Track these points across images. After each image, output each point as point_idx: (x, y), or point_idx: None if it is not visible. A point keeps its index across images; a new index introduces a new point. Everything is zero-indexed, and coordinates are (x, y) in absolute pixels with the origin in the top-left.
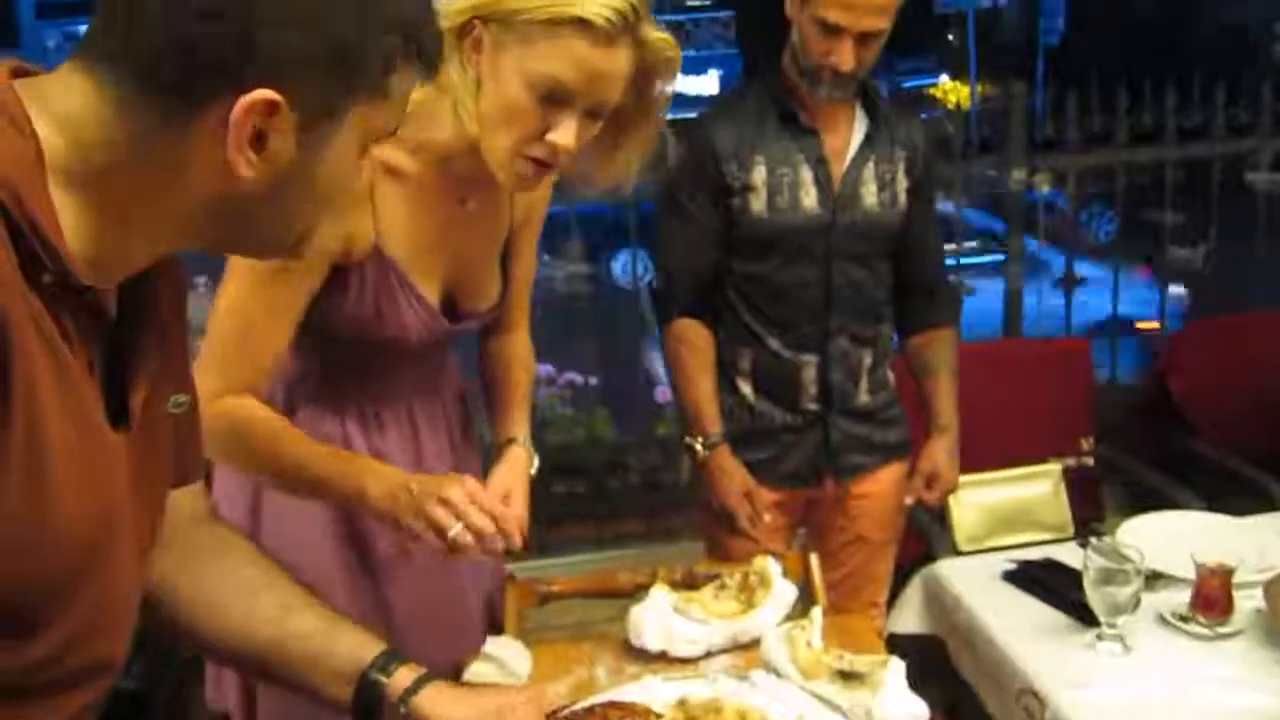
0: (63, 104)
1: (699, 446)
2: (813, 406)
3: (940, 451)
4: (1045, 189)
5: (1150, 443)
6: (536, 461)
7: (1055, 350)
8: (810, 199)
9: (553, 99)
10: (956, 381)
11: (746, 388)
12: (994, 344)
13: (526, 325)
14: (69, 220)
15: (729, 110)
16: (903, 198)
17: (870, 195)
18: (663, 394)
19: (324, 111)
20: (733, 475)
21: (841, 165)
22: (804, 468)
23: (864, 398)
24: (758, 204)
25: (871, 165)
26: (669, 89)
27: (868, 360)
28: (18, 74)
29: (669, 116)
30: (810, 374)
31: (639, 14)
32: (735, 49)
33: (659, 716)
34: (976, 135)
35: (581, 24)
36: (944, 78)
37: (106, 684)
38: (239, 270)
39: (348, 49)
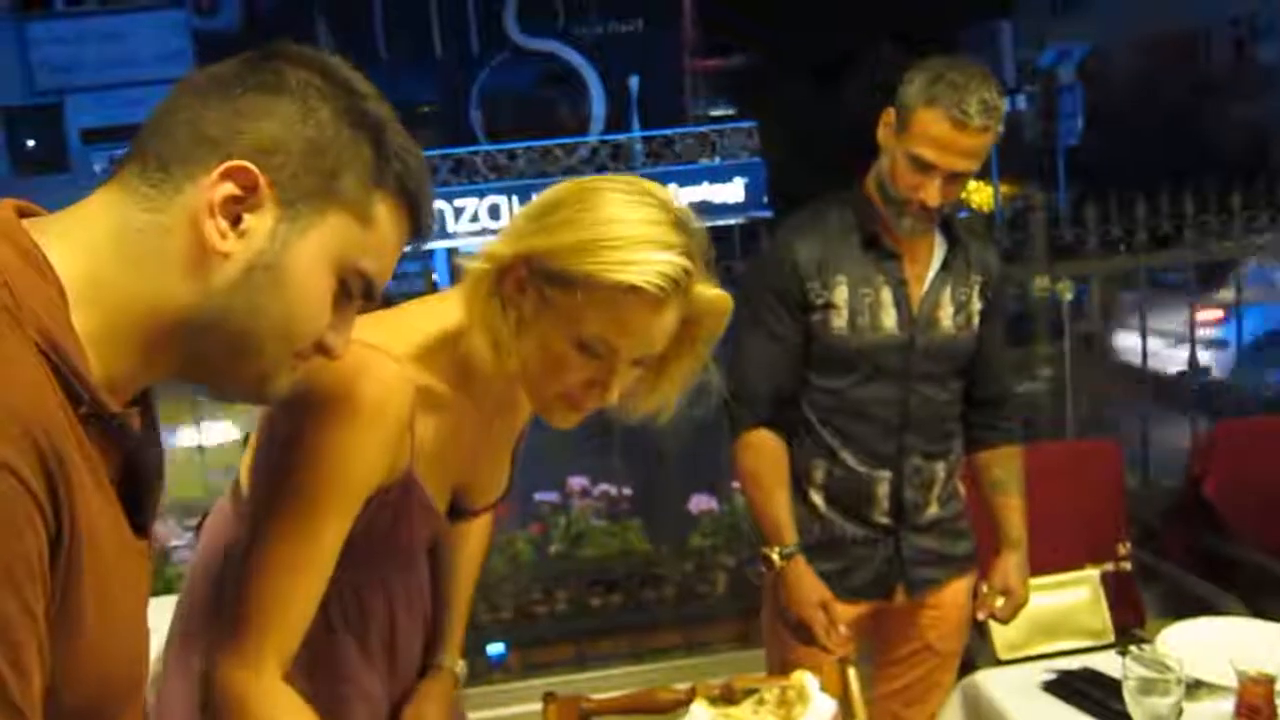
0: (83, 228)
1: (775, 556)
2: (884, 520)
3: (1012, 567)
4: (1068, 296)
5: (1187, 545)
6: (462, 669)
7: (1085, 453)
8: (890, 320)
9: (596, 353)
10: (1024, 496)
11: (819, 499)
12: (1025, 450)
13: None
14: (89, 350)
15: (812, 226)
16: (976, 319)
17: (947, 318)
18: (696, 504)
19: (300, 203)
20: (809, 586)
21: (920, 288)
22: (875, 580)
23: (935, 510)
24: (839, 321)
25: (949, 289)
26: (718, 331)
27: (941, 475)
28: (23, 214)
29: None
30: (884, 489)
31: (692, 275)
32: (760, 157)
33: None
34: (1002, 242)
35: (633, 289)
36: None
37: None
38: (284, 517)
39: (319, 144)
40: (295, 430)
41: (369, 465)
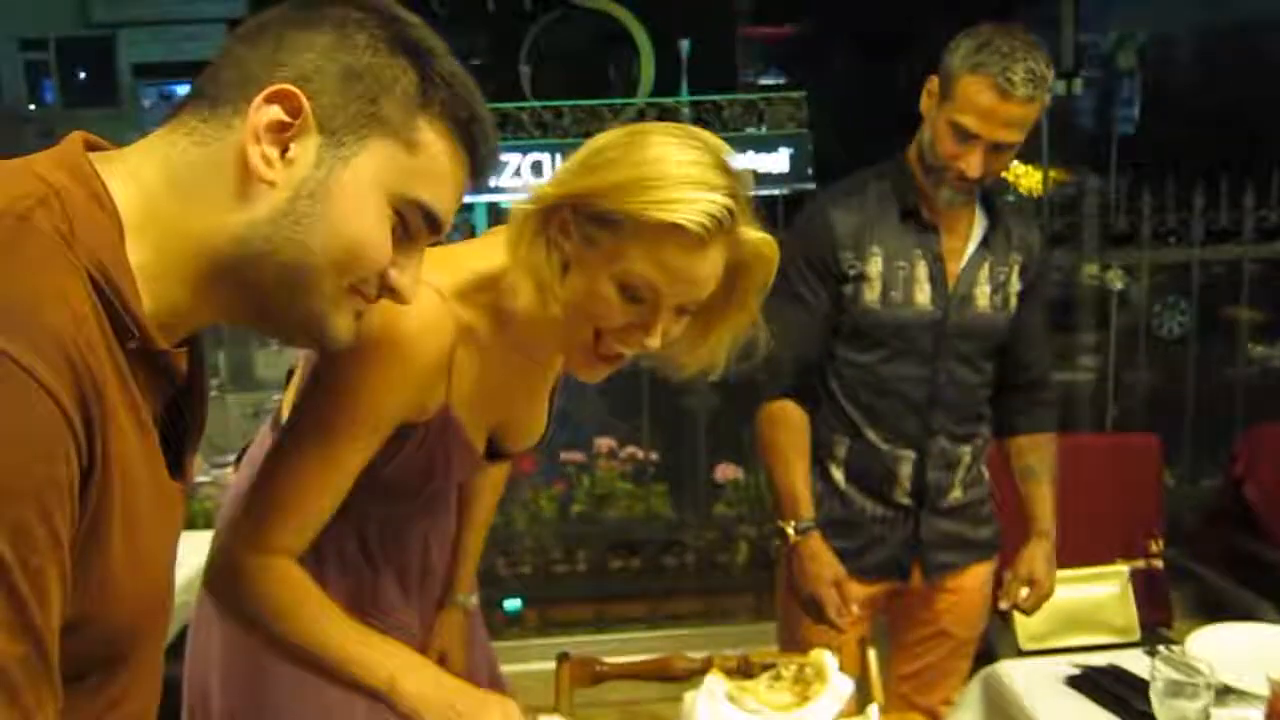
0: (142, 162)
1: (791, 530)
2: (905, 501)
3: (1039, 557)
4: (1119, 285)
5: (1222, 547)
6: (474, 602)
7: (1124, 447)
8: (924, 295)
9: (638, 297)
10: (1056, 486)
11: (839, 475)
12: (1062, 439)
13: None
14: (141, 284)
15: (850, 196)
16: (1014, 301)
17: (983, 296)
18: (722, 473)
19: (343, 130)
20: (824, 563)
21: (958, 264)
22: (892, 561)
23: (958, 493)
24: (871, 294)
25: (987, 267)
26: (766, 280)
27: (966, 458)
28: (90, 147)
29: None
30: (906, 469)
31: (735, 217)
32: (807, 128)
33: None
34: (1049, 226)
35: (675, 228)
36: (1015, 161)
37: None
38: (307, 434)
39: (356, 69)
40: (332, 356)
41: (397, 398)
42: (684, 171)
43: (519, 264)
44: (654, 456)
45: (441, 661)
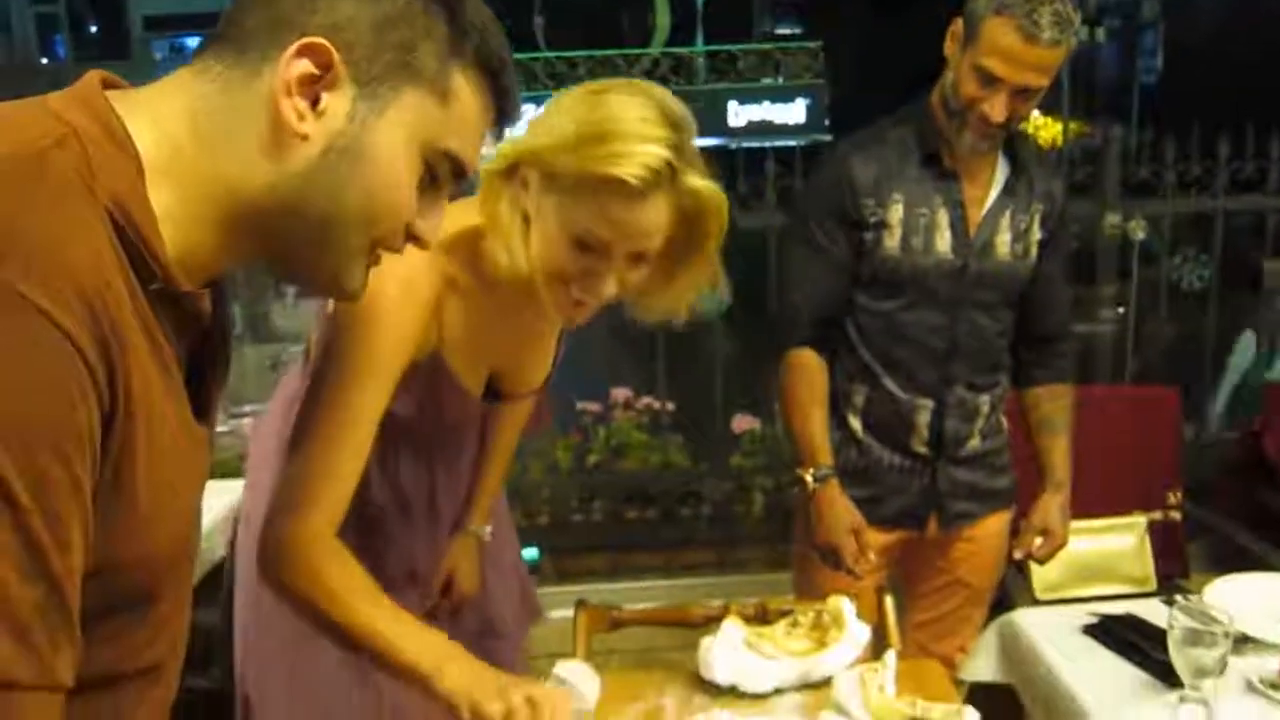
0: (163, 104)
1: (809, 478)
2: (923, 450)
3: (1054, 507)
4: (1140, 235)
5: (1240, 500)
6: (487, 532)
7: (1143, 398)
8: (944, 243)
9: (589, 247)
10: (1072, 437)
11: (857, 424)
12: (1080, 390)
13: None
14: (164, 226)
15: (870, 144)
16: (1034, 250)
17: (1004, 245)
18: (739, 424)
19: (377, 81)
20: (842, 511)
21: (979, 212)
22: (908, 510)
23: (976, 443)
24: (891, 242)
25: (1008, 215)
26: (721, 228)
27: (984, 407)
28: (107, 85)
29: (765, 145)
30: (924, 418)
31: (676, 168)
32: (823, 79)
33: None
34: (1069, 175)
35: (615, 180)
36: (1036, 112)
37: (175, 679)
38: (324, 397)
39: (391, 18)
40: (335, 317)
41: (401, 338)
42: (624, 126)
43: (488, 221)
44: (670, 407)
45: (448, 583)
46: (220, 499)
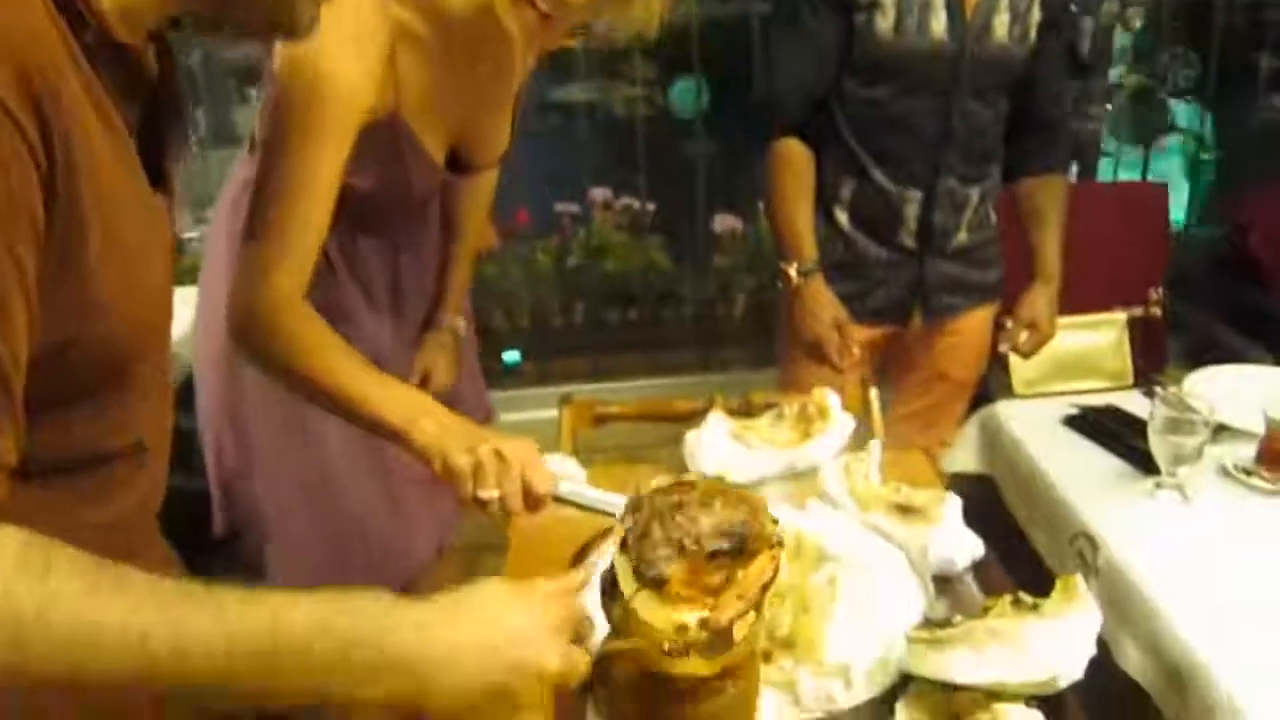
0: None
1: (793, 273)
2: (910, 243)
3: (1042, 301)
4: (1137, 24)
5: (1220, 296)
6: (463, 325)
7: (1132, 194)
8: (940, 25)
9: None
10: (1063, 230)
11: (843, 217)
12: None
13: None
14: None
15: None
16: (1033, 33)
17: (1001, 27)
18: (720, 224)
19: None
20: (826, 305)
21: None
22: (894, 304)
23: (963, 236)
24: (884, 23)
25: None
26: None
27: (974, 199)
28: None
29: None
30: (913, 210)
31: None
32: None
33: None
34: None
35: None
36: None
37: (162, 472)
38: (279, 152)
39: None
40: (283, 59)
41: (353, 91)
42: None
43: None
44: (651, 207)
45: (424, 380)
46: (188, 308)
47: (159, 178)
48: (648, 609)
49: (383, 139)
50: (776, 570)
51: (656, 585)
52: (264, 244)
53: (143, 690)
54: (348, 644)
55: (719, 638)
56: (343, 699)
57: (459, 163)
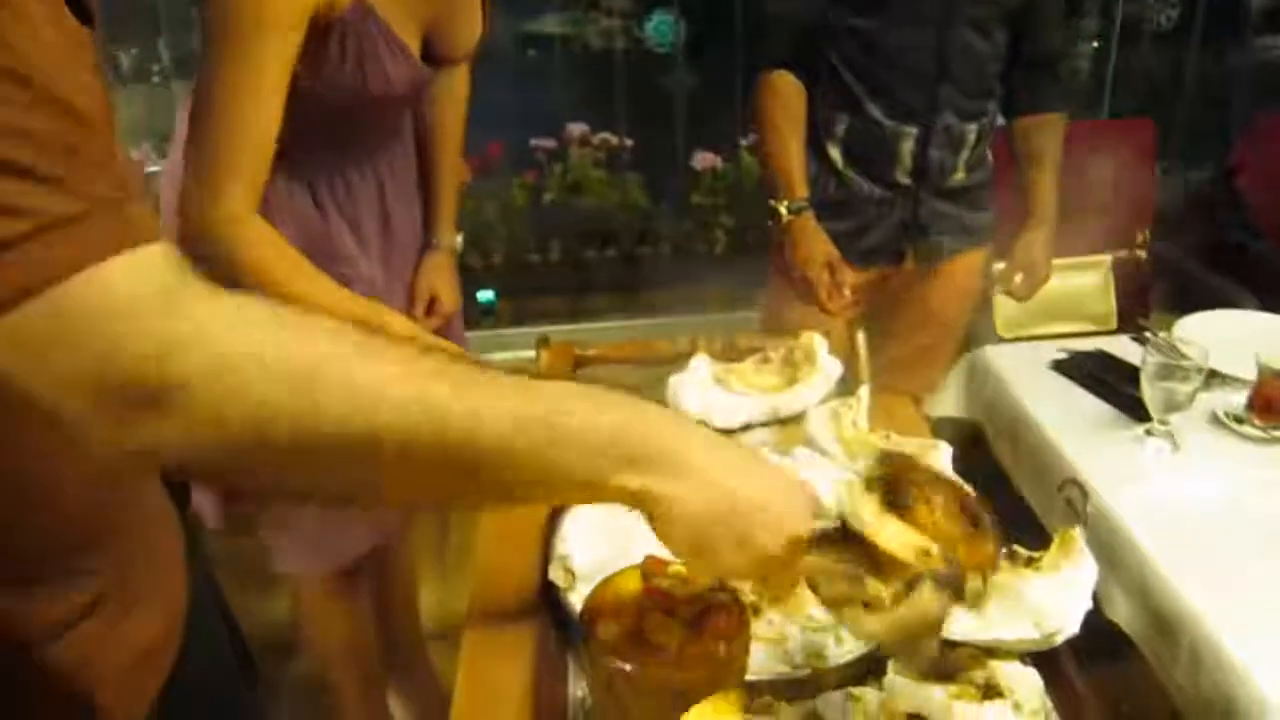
0: None
1: (783, 210)
2: (905, 181)
3: (1038, 243)
4: None
5: (1207, 238)
6: (459, 241)
7: (1118, 130)
8: None
9: None
10: (1059, 171)
11: (836, 154)
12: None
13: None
14: None
15: None
16: None
17: None
18: (700, 161)
19: None
20: (817, 244)
21: None
22: (887, 244)
23: (961, 175)
24: None
25: None
26: None
27: (971, 136)
28: None
29: None
30: (908, 146)
31: None
32: None
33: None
34: None
35: None
36: None
37: None
38: (221, 56)
39: None
40: None
41: None
42: None
43: None
44: (629, 143)
45: (432, 304)
46: None
47: (79, 6)
48: (889, 535)
49: (354, 33)
50: (984, 584)
51: (902, 513)
52: (212, 147)
53: (430, 455)
54: (646, 437)
55: (953, 574)
56: (613, 490)
57: (432, 56)
